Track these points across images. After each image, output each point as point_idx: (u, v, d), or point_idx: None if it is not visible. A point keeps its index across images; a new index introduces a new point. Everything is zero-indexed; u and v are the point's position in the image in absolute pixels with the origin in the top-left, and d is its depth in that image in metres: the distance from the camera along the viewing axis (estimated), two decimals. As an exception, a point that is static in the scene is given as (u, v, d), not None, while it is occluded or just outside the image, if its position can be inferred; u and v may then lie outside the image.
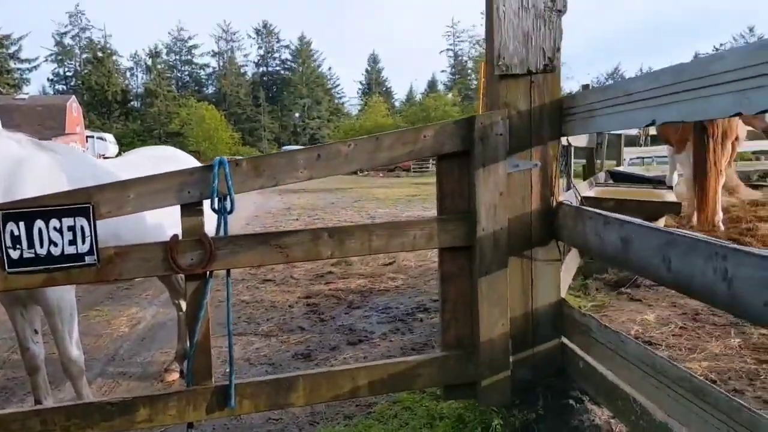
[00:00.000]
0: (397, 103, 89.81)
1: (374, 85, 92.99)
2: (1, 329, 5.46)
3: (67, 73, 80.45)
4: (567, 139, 3.89)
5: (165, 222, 3.57)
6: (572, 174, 5.67)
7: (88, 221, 2.55)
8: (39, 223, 2.52)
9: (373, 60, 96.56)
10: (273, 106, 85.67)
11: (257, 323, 5.48)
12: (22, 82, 73.17)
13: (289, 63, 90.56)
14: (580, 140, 6.24)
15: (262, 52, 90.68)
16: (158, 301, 6.55)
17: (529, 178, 2.99)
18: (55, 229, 2.53)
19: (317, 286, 6.98)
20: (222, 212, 2.68)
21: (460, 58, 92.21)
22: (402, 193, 22.16)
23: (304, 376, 2.85)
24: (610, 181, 7.93)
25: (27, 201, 2.55)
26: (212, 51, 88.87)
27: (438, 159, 2.96)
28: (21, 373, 4.30)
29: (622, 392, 2.39)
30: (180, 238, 2.65)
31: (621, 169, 9.41)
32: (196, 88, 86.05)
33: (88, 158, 3.77)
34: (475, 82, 78.05)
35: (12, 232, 2.49)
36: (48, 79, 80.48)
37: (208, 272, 2.69)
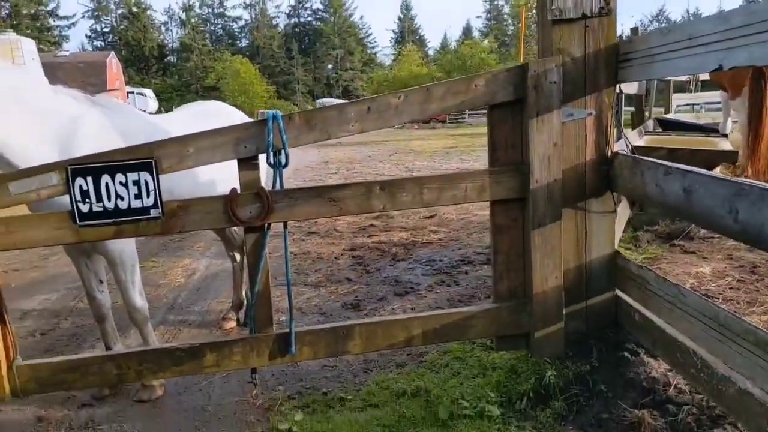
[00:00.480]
0: (431, 52, 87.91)
1: (407, 33, 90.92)
2: (67, 279, 5.75)
3: (105, 29, 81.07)
4: (619, 86, 3.77)
5: (216, 178, 3.65)
6: (622, 123, 5.47)
7: (152, 176, 2.63)
8: (105, 178, 2.61)
9: (406, 7, 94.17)
10: (306, 58, 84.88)
11: (306, 274, 5.62)
12: (61, 39, 74.17)
13: (320, 13, 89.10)
14: (630, 87, 6.02)
15: (293, 2, 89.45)
16: (210, 253, 6.76)
17: (583, 128, 2.93)
18: (121, 183, 2.62)
19: (360, 238, 7.07)
20: (277, 166, 2.73)
21: (495, 2, 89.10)
22: (439, 145, 21.95)
23: (360, 324, 2.93)
24: (659, 130, 7.69)
25: (93, 156, 2.63)
26: (244, 2, 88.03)
27: (489, 109, 2.92)
28: (88, 321, 4.55)
29: (682, 345, 2.39)
30: (239, 191, 2.71)
31: (670, 116, 9.09)
32: (230, 41, 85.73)
33: (140, 114, 3.83)
34: (512, 28, 75.65)
35: (81, 186, 2.60)
36: (86, 36, 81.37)
37: (266, 224, 2.76)
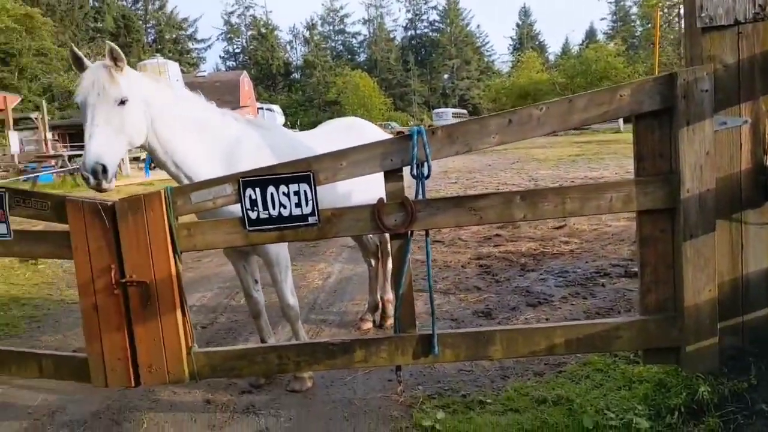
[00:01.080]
0: (551, 57, 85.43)
1: (526, 39, 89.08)
2: (219, 279, 6.36)
3: (236, 50, 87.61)
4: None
5: (352, 189, 3.89)
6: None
7: (310, 187, 2.90)
8: (271, 189, 2.92)
9: (524, 13, 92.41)
10: (422, 70, 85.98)
11: (434, 281, 5.75)
12: (199, 60, 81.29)
13: (437, 24, 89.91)
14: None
15: (410, 15, 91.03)
16: (342, 258, 7.13)
17: (738, 136, 2.81)
18: (283, 193, 2.91)
19: (486, 248, 7.11)
20: (420, 177, 2.89)
21: (622, 3, 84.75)
22: (563, 153, 21.29)
23: (501, 331, 3.01)
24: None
25: (261, 170, 2.96)
26: (363, 18, 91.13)
27: (635, 119, 2.88)
28: (241, 317, 5.01)
29: None
30: (385, 201, 2.90)
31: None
32: (349, 56, 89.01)
33: (285, 131, 4.19)
34: (640, 29, 71.43)
35: (250, 196, 2.93)
36: (220, 57, 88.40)
37: (409, 232, 2.93)
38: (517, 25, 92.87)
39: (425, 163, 2.81)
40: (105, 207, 3.00)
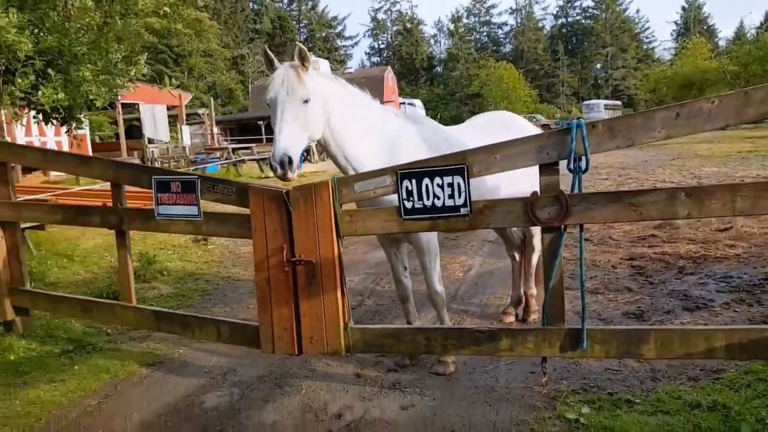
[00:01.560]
0: (721, 42, 77.26)
1: (692, 24, 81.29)
2: (365, 265, 6.74)
3: (381, 46, 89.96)
4: None
5: (501, 183, 3.92)
6: None
7: (463, 179, 3.03)
8: (426, 181, 3.10)
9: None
10: (572, 59, 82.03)
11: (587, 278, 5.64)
12: (346, 57, 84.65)
13: (590, 11, 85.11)
14: None
15: (561, 2, 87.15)
16: (482, 252, 7.20)
17: None
18: (437, 185, 3.08)
19: (640, 248, 6.76)
20: (577, 171, 2.90)
21: (813, -22, 74.09)
22: (732, 149, 19.24)
23: (656, 330, 2.94)
24: None
25: (417, 163, 3.15)
26: (510, 8, 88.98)
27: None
28: (385, 301, 5.30)
29: None
30: (539, 194, 2.95)
31: None
32: (494, 48, 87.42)
33: (439, 126, 4.34)
34: (834, 8, 62.00)
35: (407, 187, 3.13)
36: (365, 53, 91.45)
37: (562, 226, 2.95)
38: (683, 9, 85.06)
39: (583, 157, 2.81)
40: (279, 194, 3.38)
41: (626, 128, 2.81)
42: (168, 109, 22.71)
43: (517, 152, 2.97)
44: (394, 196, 3.20)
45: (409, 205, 3.14)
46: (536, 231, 4.61)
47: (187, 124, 28.09)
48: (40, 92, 4.85)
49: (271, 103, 3.41)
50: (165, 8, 5.65)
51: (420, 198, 3.12)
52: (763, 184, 2.70)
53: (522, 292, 4.76)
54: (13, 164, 4.72)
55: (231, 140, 31.98)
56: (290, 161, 3.21)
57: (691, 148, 20.73)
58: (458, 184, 3.03)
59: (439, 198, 3.08)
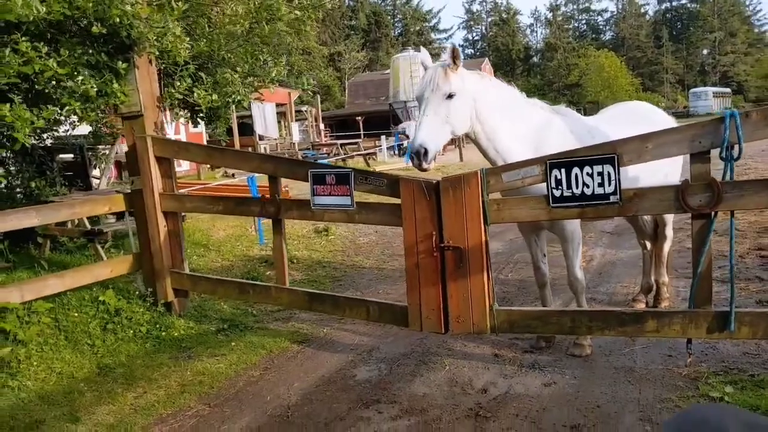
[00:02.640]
0: None
1: (817, 1, 74.05)
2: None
3: (475, 38, 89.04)
4: None
5: (641, 173, 4.01)
6: None
7: (613, 168, 3.20)
8: (575, 170, 3.30)
9: (819, -32, 76.81)
10: (676, 45, 77.21)
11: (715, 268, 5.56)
12: (441, 50, 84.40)
13: (698, -6, 79.83)
14: None
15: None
16: (602, 243, 7.22)
17: None
18: (587, 174, 3.26)
19: (754, 252, 6.52)
20: (729, 159, 2.99)
21: None
22: None
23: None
24: None
25: (566, 153, 3.35)
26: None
27: None
28: (510, 288, 5.51)
29: None
30: (690, 182, 3.07)
31: None
32: (593, 36, 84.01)
33: (580, 117, 4.47)
34: None
35: (556, 176, 3.34)
36: (459, 45, 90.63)
37: (712, 212, 3.06)
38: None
39: (736, 146, 2.90)
40: (431, 185, 3.70)
41: (782, 117, 2.88)
42: (276, 106, 23.91)
43: (670, 141, 3.10)
44: (541, 186, 3.42)
45: (557, 193, 3.35)
46: (669, 220, 4.66)
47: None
48: (195, 94, 5.44)
49: (418, 100, 3.73)
50: (296, 12, 6.11)
51: (569, 186, 3.32)
52: None
53: (653, 280, 4.81)
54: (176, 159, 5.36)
55: (331, 136, 33.02)
56: (426, 153, 3.46)
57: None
58: (608, 173, 3.21)
59: (588, 186, 3.27)
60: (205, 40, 5.47)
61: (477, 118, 3.71)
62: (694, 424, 0.97)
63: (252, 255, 8.18)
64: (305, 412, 3.62)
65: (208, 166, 17.12)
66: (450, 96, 3.58)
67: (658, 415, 3.14)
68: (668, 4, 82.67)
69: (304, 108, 32.08)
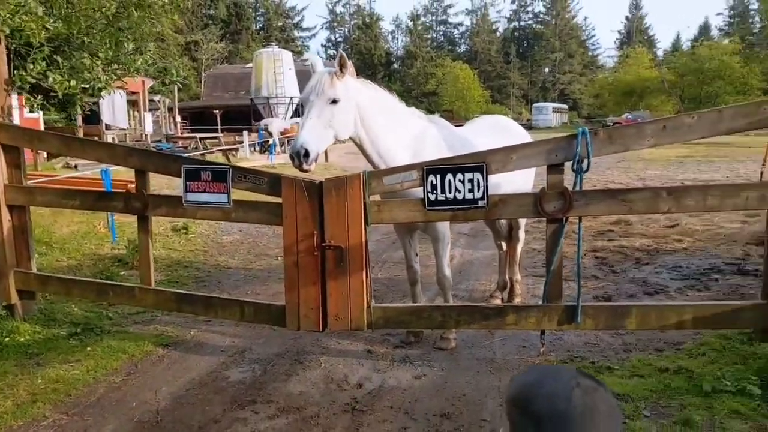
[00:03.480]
0: (659, 53, 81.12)
1: (635, 33, 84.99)
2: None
3: (338, 39, 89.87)
4: None
5: (501, 181, 4.40)
6: None
7: (482, 175, 3.50)
8: (449, 176, 3.55)
9: (635, 6, 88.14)
10: (523, 62, 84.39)
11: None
12: (303, 48, 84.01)
13: (542, 16, 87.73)
14: None
15: (515, 6, 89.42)
16: (459, 244, 7.73)
17: None
18: (459, 180, 3.53)
19: (600, 242, 7.45)
20: (579, 171, 3.41)
21: (741, -4, 78.74)
22: (671, 154, 20.64)
23: (637, 306, 3.52)
24: None
25: (441, 160, 3.59)
26: (466, 9, 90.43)
27: (778, 128, 3.26)
28: (380, 287, 5.71)
29: None
30: (546, 189, 3.45)
31: None
32: (450, 47, 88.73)
33: (452, 127, 4.77)
34: (759, 26, 66.17)
35: (432, 181, 3.57)
36: (321, 45, 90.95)
37: (564, 218, 3.47)
38: (627, 18, 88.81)
39: (586, 160, 3.32)
40: (314, 185, 3.75)
41: (622, 137, 3.35)
42: (127, 95, 22.30)
43: (531, 153, 3.47)
44: (418, 189, 3.64)
45: (432, 197, 3.58)
46: (522, 223, 5.15)
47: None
48: (50, 78, 5.00)
49: (302, 103, 3.78)
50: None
51: (443, 191, 3.56)
52: (729, 186, 3.30)
53: (507, 278, 5.29)
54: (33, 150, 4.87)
55: (186, 129, 31.49)
56: (306, 154, 3.56)
57: (635, 153, 21.95)
58: (478, 180, 3.50)
59: (460, 191, 3.54)
60: (62, 22, 5.02)
61: (361, 124, 3.84)
62: (531, 385, 1.15)
63: (102, 254, 7.61)
64: (176, 417, 3.49)
65: (45, 155, 15.56)
66: (334, 101, 3.68)
67: (515, 399, 3.49)
68: (516, 24, 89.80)
69: (157, 98, 30.24)
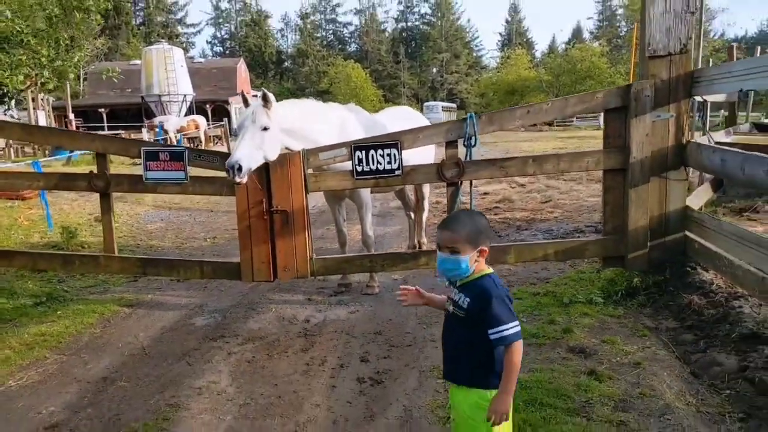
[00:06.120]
0: (538, 54, 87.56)
1: (514, 36, 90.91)
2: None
3: (224, 36, 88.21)
4: (703, 98, 5.28)
5: (409, 158, 5.52)
6: (708, 124, 6.96)
7: (398, 151, 4.56)
8: (372, 152, 4.58)
9: (514, 9, 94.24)
10: (412, 62, 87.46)
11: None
12: (189, 45, 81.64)
13: (428, 17, 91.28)
14: (718, 97, 7.28)
15: (401, 7, 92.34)
16: (372, 222, 8.78)
17: (667, 124, 4.53)
18: (380, 155, 4.57)
19: (488, 215, 8.81)
20: (469, 146, 4.57)
21: (609, 2, 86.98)
22: (548, 146, 23.08)
23: (515, 245, 4.74)
24: (755, 131, 8.79)
25: (365, 139, 4.62)
26: (354, 9, 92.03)
27: (605, 112, 4.60)
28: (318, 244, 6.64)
29: (720, 254, 3.97)
30: (445, 160, 4.58)
31: (768, 120, 10.01)
32: (340, 46, 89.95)
33: (366, 113, 5.77)
34: (625, 30, 73.56)
35: (358, 156, 4.58)
36: (207, 42, 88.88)
37: (459, 182, 4.62)
38: (507, 22, 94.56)
39: (473, 137, 4.49)
40: (264, 160, 4.62)
41: (499, 119, 4.56)
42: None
43: (433, 133, 4.58)
44: (347, 163, 4.63)
45: (359, 168, 4.60)
46: (426, 195, 6.30)
47: (20, 108, 26.15)
48: (-3, 74, 5.43)
49: (239, 128, 4.44)
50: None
51: (368, 164, 4.59)
52: (575, 153, 4.60)
53: (416, 241, 6.43)
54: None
55: (82, 128, 30.11)
56: (240, 168, 4.15)
57: (516, 146, 24.32)
58: (394, 154, 4.56)
59: (380, 164, 4.58)
60: (6, 21, 5.46)
61: (292, 137, 4.57)
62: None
63: (35, 242, 7.91)
64: (161, 350, 4.25)
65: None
66: (265, 128, 4.32)
67: (430, 319, 4.59)
68: (404, 24, 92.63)
69: (41, 96, 28.75)
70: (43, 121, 21.95)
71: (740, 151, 3.68)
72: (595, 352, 3.76)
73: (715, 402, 3.16)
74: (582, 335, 4.00)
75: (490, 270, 2.22)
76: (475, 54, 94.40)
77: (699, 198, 5.58)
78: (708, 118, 7.29)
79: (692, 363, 3.53)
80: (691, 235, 4.50)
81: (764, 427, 2.88)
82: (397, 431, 3.12)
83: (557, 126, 41.82)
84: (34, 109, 20.25)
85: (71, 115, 23.13)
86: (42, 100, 29.03)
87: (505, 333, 2.06)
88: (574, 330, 4.07)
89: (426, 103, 62.79)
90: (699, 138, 5.42)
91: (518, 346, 2.09)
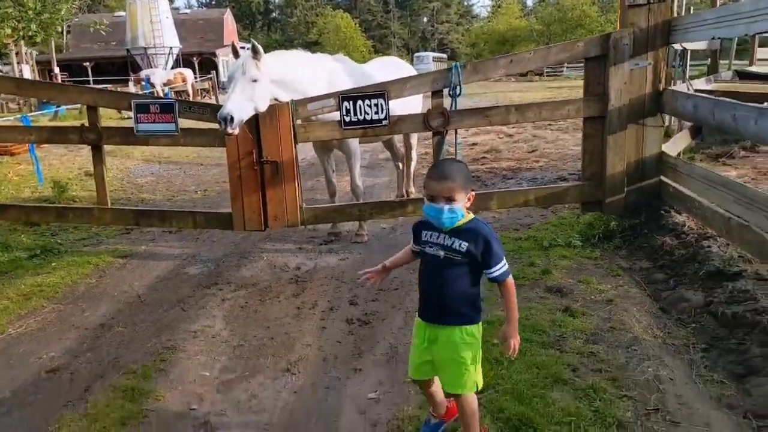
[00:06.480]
0: (529, 2, 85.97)
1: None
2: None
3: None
4: (683, 46, 5.37)
5: (396, 107, 5.59)
6: (687, 72, 7.07)
7: (385, 101, 4.65)
8: (359, 102, 4.67)
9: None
10: (402, 12, 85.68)
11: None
12: (173, -3, 79.37)
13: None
14: (699, 44, 7.31)
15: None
16: (362, 174, 8.90)
17: (644, 72, 4.63)
18: (368, 105, 4.66)
19: (476, 165, 8.96)
20: (454, 96, 4.67)
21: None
22: (537, 96, 23.02)
23: (497, 192, 4.91)
24: (737, 79, 8.88)
25: (352, 90, 4.70)
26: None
27: (585, 60, 4.69)
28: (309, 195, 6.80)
29: (691, 197, 4.16)
30: (431, 110, 4.68)
31: (753, 69, 10.04)
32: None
33: (354, 63, 5.81)
34: (618, -24, 72.04)
35: (346, 106, 4.67)
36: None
37: (445, 130, 4.73)
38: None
39: (458, 87, 4.58)
40: (252, 111, 4.71)
41: (484, 68, 4.64)
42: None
43: (419, 83, 4.67)
44: (335, 114, 4.72)
45: (347, 119, 4.70)
46: (414, 146, 6.42)
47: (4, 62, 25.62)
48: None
49: (229, 79, 4.50)
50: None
51: (356, 114, 4.68)
52: (556, 101, 4.72)
53: (404, 191, 6.58)
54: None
55: (67, 82, 29.62)
56: (231, 120, 4.23)
57: (506, 96, 24.23)
58: (381, 104, 4.65)
59: (368, 114, 4.67)
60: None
61: (282, 88, 4.63)
62: None
63: (26, 197, 7.99)
64: (156, 298, 4.43)
65: None
66: (254, 80, 4.38)
67: (415, 265, 4.75)
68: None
69: (25, 50, 28.13)
70: (27, 75, 21.54)
71: (711, 97, 3.81)
72: (571, 291, 3.98)
73: (680, 334, 3.39)
74: (559, 276, 4.22)
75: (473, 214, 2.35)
76: (466, 3, 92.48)
77: (677, 144, 5.73)
78: (688, 67, 7.39)
79: (662, 300, 3.76)
80: (666, 180, 4.67)
81: (724, 356, 3.11)
82: (384, 366, 3.33)
83: (548, 76, 41.54)
84: (18, 63, 19.89)
85: (56, 69, 22.74)
86: (26, 53, 28.46)
87: (505, 268, 2.21)
88: (553, 271, 4.29)
89: (416, 54, 61.85)
90: (680, 86, 5.54)
91: (512, 279, 2.27)
